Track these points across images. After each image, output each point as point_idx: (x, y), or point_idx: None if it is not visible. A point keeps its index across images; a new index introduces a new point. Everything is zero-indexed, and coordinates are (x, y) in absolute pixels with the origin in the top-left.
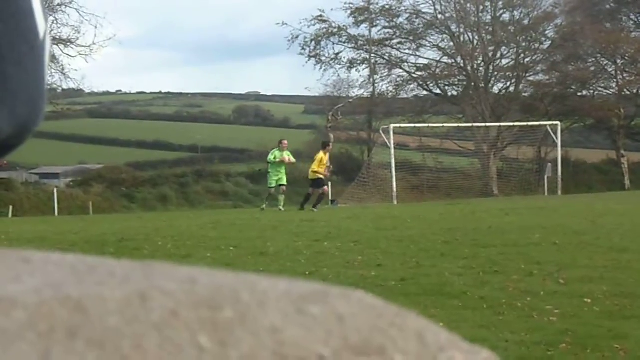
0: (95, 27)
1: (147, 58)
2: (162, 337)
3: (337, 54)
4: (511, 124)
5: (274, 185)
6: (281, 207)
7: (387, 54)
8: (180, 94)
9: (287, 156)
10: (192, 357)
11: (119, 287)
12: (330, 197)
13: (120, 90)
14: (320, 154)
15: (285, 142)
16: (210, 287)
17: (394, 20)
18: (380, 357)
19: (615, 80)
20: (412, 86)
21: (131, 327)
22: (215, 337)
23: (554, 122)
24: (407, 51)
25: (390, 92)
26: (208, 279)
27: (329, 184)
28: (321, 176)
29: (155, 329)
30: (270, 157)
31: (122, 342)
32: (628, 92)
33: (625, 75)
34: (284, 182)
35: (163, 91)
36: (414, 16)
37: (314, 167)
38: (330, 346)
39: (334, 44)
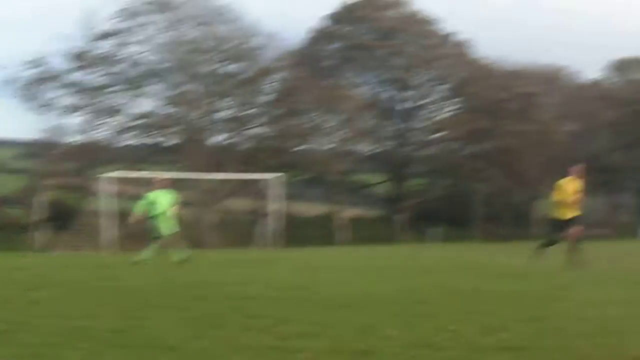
0: None
1: None
2: None
3: (54, 98)
4: (230, 175)
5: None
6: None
7: (105, 101)
8: None
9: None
10: None
11: None
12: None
13: None
14: (568, 179)
15: (157, 178)
16: None
17: (113, 67)
18: None
19: (333, 135)
20: (130, 134)
21: None
22: None
23: (273, 175)
24: (125, 99)
25: (108, 139)
26: None
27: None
28: (561, 216)
29: None
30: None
31: None
32: (345, 148)
33: (343, 131)
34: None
35: None
36: (134, 64)
37: (561, 197)
38: None
39: (51, 88)
